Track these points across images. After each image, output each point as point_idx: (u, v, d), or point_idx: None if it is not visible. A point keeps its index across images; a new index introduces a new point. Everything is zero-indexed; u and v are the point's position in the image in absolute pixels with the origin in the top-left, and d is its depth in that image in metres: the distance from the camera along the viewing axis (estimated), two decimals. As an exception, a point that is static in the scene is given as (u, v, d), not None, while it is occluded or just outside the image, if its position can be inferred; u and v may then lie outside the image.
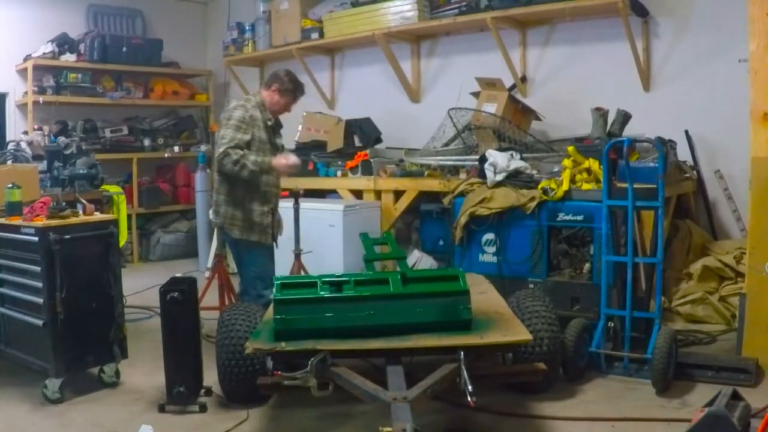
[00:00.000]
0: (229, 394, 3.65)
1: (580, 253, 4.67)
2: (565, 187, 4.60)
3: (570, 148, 4.87)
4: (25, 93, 7.56)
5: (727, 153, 5.40)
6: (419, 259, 5.73)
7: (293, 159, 4.39)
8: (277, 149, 4.46)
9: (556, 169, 4.97)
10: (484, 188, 4.95)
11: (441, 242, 5.92)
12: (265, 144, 4.35)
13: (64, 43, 7.68)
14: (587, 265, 4.57)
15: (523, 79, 6.39)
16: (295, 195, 5.35)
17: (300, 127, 7.11)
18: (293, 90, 4.49)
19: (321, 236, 5.64)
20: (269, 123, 4.41)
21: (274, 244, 4.55)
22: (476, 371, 3.16)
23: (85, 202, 4.41)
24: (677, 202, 5.41)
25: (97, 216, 4.09)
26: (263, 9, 7.87)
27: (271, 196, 4.42)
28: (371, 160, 6.31)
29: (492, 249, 4.90)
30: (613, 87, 5.78)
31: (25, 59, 7.54)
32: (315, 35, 7.36)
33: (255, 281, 4.39)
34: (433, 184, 5.72)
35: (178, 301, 3.56)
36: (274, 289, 3.26)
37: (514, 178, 4.88)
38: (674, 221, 5.37)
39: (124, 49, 7.95)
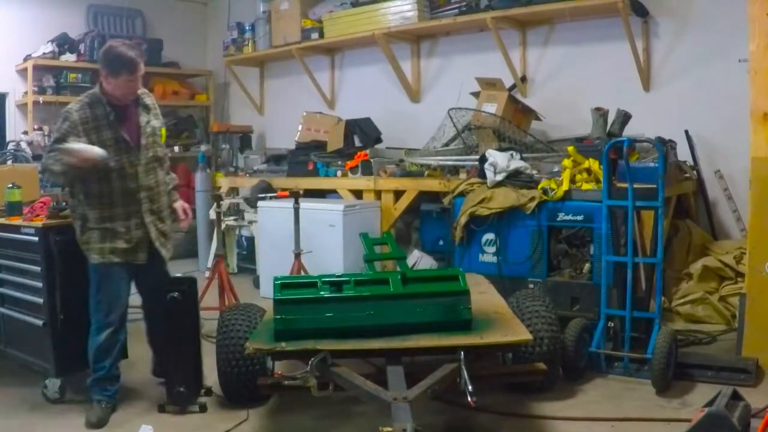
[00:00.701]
0: (229, 394, 3.65)
1: (580, 253, 4.66)
2: (565, 187, 4.60)
3: (570, 148, 4.87)
4: (25, 93, 7.56)
5: (727, 153, 5.40)
6: (419, 259, 5.73)
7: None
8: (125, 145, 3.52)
9: (556, 169, 4.97)
10: (484, 188, 4.95)
11: (441, 242, 5.92)
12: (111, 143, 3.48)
13: (64, 43, 7.69)
14: (587, 265, 4.56)
15: (523, 79, 6.39)
16: (295, 195, 5.36)
17: (300, 127, 7.12)
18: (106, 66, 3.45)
19: (321, 236, 5.64)
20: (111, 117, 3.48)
21: None
22: (476, 371, 3.16)
23: (85, 202, 4.40)
24: (677, 202, 5.41)
25: (97, 216, 4.08)
26: (263, 9, 7.87)
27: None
28: (371, 160, 6.31)
29: (492, 249, 4.90)
30: (613, 87, 5.78)
31: (25, 59, 7.55)
32: (315, 35, 7.36)
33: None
34: (433, 184, 5.72)
35: (178, 301, 3.56)
36: (273, 290, 3.25)
37: (514, 178, 4.88)
38: (674, 221, 5.37)
39: (124, 49, 7.94)
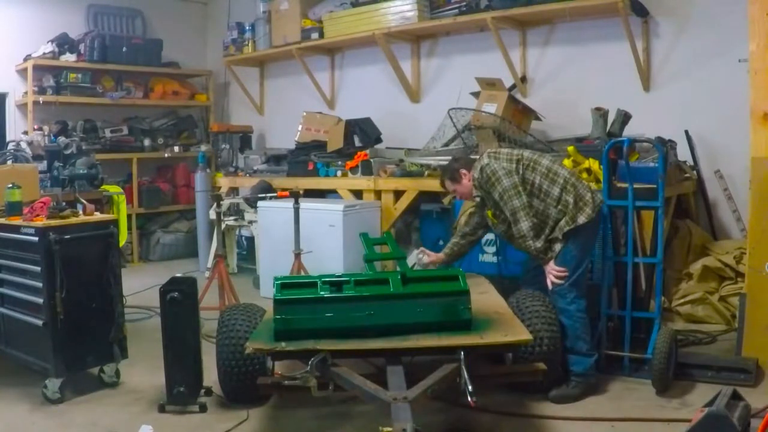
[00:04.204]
0: (229, 394, 3.65)
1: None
2: (565, 187, 4.59)
3: (570, 148, 4.87)
4: (25, 93, 7.56)
5: (727, 153, 5.40)
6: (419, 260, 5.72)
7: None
8: None
9: (556, 169, 4.95)
10: (484, 188, 4.94)
11: (441, 242, 5.90)
12: None
13: (64, 43, 7.69)
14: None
15: (523, 79, 6.39)
16: (295, 195, 5.36)
17: (300, 127, 7.12)
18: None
19: (321, 236, 5.64)
20: None
21: None
22: (476, 371, 3.16)
23: (85, 202, 4.42)
24: (677, 202, 5.41)
25: (97, 216, 4.09)
26: (263, 9, 7.87)
27: None
28: (371, 160, 6.31)
29: (492, 249, 4.90)
30: (613, 87, 5.77)
31: (25, 59, 7.55)
32: (315, 35, 7.36)
33: None
34: (433, 184, 5.70)
35: (178, 301, 3.56)
36: (274, 290, 3.26)
37: (514, 178, 4.87)
38: (674, 221, 5.37)
39: (124, 49, 7.95)
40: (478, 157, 4.18)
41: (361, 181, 6.28)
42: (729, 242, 5.36)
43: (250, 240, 7.32)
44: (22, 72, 7.63)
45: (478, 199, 4.06)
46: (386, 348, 3.15)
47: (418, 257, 4.38)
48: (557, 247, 3.80)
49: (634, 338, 3.96)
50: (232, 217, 6.97)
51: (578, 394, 3.66)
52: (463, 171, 4.10)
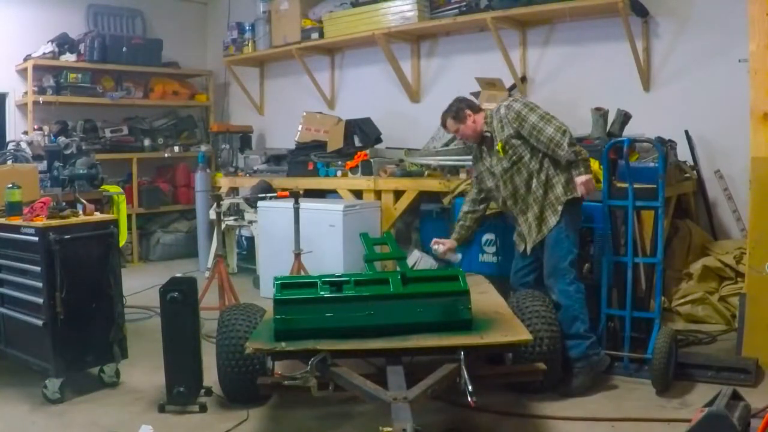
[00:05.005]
0: (229, 394, 3.65)
1: (580, 253, 4.65)
2: (565, 187, 4.59)
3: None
4: (25, 93, 7.56)
5: (727, 153, 5.40)
6: (419, 259, 5.72)
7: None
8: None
9: (556, 169, 4.95)
10: (484, 188, 4.94)
11: (441, 242, 5.91)
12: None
13: (64, 43, 7.69)
14: (587, 265, 4.56)
15: (523, 79, 6.39)
16: (295, 195, 5.36)
17: (300, 127, 7.12)
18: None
19: (321, 236, 5.64)
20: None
21: None
22: (476, 371, 3.16)
23: (85, 202, 4.41)
24: (677, 202, 5.41)
25: (97, 216, 4.09)
26: (263, 9, 7.87)
27: None
28: (371, 160, 6.31)
29: (492, 249, 4.90)
30: (613, 87, 5.77)
31: (25, 59, 7.55)
32: (315, 35, 7.36)
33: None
34: (433, 184, 5.72)
35: (178, 301, 3.56)
36: (274, 290, 3.26)
37: (514, 178, 4.87)
38: (674, 221, 5.37)
39: (124, 49, 7.96)
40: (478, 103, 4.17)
41: (361, 181, 6.28)
42: (729, 242, 5.36)
43: (250, 240, 7.31)
44: (22, 72, 7.63)
45: (488, 135, 4.09)
46: (386, 348, 3.16)
47: (433, 248, 4.40)
48: (552, 219, 3.93)
49: (634, 338, 3.96)
50: (232, 217, 6.97)
51: (587, 381, 3.68)
52: (468, 112, 4.16)
